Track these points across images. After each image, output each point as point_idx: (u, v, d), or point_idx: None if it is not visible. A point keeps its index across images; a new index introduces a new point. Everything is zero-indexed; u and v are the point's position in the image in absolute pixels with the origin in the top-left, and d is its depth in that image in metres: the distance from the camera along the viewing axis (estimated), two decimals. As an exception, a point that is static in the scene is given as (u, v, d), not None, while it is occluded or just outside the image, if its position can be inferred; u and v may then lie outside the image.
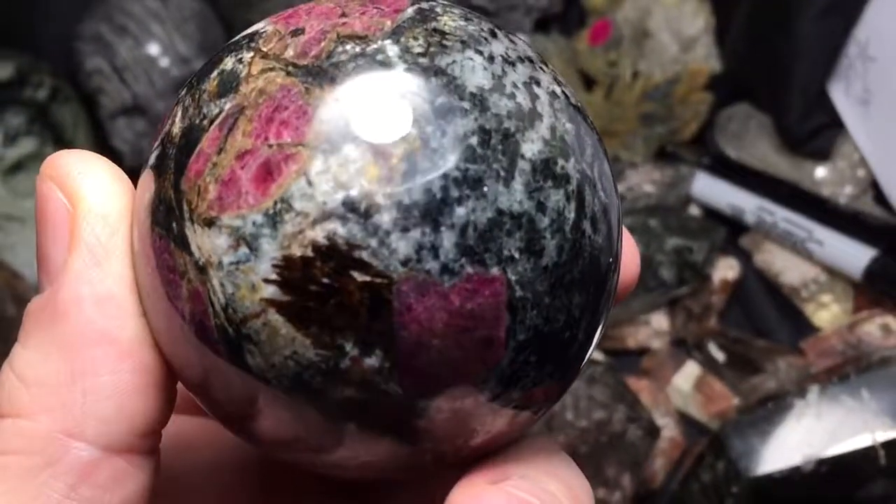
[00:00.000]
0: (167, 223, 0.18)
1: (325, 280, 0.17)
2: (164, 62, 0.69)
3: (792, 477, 0.49)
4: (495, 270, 0.18)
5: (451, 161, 0.18)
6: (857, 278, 0.62)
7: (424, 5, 0.20)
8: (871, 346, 0.57)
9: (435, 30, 0.19)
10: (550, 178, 0.18)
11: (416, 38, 0.19)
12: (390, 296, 0.17)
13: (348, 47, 0.19)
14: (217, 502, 0.26)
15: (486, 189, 0.18)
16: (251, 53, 0.19)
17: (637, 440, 0.54)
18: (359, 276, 0.17)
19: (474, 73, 0.19)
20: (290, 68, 0.18)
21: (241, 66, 0.19)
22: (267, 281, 0.17)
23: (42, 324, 0.20)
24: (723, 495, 0.51)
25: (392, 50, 0.18)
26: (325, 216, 0.17)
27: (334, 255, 0.17)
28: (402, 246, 0.17)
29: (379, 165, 0.17)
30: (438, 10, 0.20)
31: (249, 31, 0.20)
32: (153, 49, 0.69)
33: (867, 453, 0.49)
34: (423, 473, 0.21)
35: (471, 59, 0.19)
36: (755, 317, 0.65)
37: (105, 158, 0.21)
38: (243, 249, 0.17)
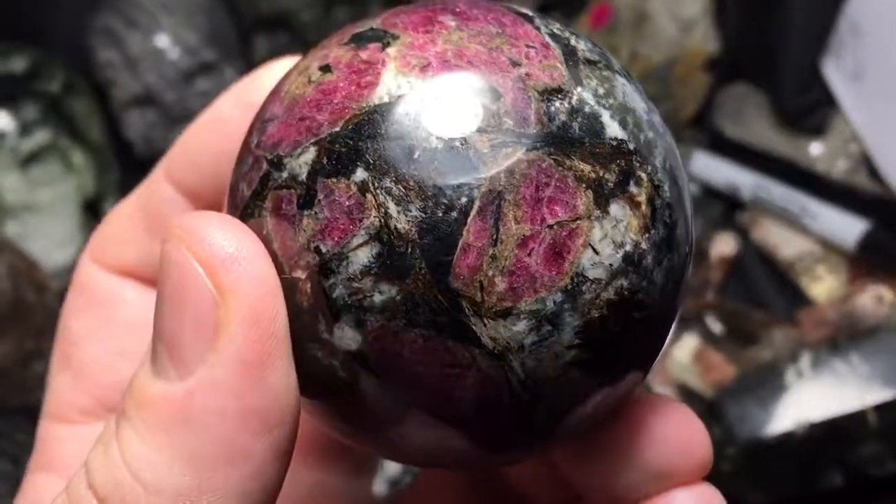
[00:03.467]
0: (435, 324, 0.18)
1: (616, 329, 0.18)
2: (174, 53, 0.71)
3: (785, 440, 0.50)
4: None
5: (667, 191, 0.19)
6: (850, 251, 0.63)
7: (553, 30, 0.20)
8: (864, 315, 0.58)
9: (587, 61, 0.19)
10: (680, 178, 0.20)
11: (590, 78, 0.19)
12: (653, 319, 0.19)
13: (556, 105, 0.18)
14: None
15: (682, 205, 0.20)
16: None
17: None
18: (637, 315, 0.19)
19: (634, 98, 0.20)
20: (524, 140, 0.18)
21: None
22: (570, 347, 0.18)
23: (170, 424, 0.18)
24: (719, 458, 0.52)
25: (589, 98, 0.19)
26: (614, 276, 0.18)
27: (623, 306, 0.18)
28: (660, 277, 0.19)
29: (636, 216, 0.18)
30: (557, 31, 0.20)
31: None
32: (162, 41, 0.71)
33: (858, 416, 0.50)
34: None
35: (624, 84, 0.20)
36: (752, 291, 0.66)
37: (256, 238, 0.18)
38: (546, 328, 0.18)
